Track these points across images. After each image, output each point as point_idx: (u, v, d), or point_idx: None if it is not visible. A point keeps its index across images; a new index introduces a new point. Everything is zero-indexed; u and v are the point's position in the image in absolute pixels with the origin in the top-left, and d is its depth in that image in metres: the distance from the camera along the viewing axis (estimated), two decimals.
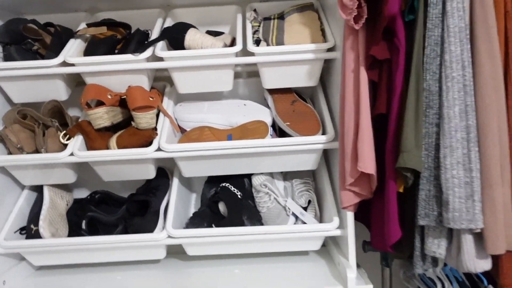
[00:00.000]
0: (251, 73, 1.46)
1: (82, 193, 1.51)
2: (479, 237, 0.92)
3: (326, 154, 1.38)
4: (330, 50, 1.21)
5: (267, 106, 1.36)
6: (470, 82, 0.89)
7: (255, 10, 1.37)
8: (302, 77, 1.25)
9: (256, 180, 1.34)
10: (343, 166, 1.07)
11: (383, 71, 1.01)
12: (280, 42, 1.22)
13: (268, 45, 1.22)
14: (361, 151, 1.00)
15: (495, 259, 0.95)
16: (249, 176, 1.37)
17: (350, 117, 1.04)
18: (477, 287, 1.25)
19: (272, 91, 1.33)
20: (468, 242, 0.93)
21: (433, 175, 0.94)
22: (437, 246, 0.97)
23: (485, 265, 0.94)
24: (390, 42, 0.97)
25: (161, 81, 1.44)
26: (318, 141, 1.19)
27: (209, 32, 1.40)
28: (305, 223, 1.27)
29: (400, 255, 1.10)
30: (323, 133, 1.24)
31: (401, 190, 1.00)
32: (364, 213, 1.18)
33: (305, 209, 1.32)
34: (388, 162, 0.99)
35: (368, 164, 1.00)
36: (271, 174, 1.38)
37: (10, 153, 1.27)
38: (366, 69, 1.02)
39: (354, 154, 1.03)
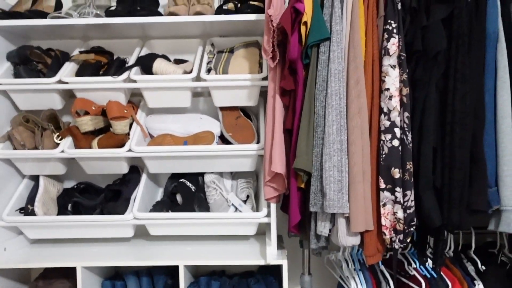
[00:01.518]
0: (210, 93, 1.82)
1: (70, 184, 1.85)
2: (348, 220, 1.27)
3: None
4: (264, 79, 1.57)
5: (219, 120, 1.71)
6: (344, 109, 1.25)
7: (212, 44, 1.74)
8: (243, 98, 1.61)
9: (207, 178, 1.69)
10: (264, 167, 1.43)
11: (291, 98, 1.37)
12: (225, 71, 1.59)
13: (216, 73, 1.59)
14: (274, 156, 1.36)
15: (362, 237, 1.30)
16: (202, 174, 1.72)
17: (269, 130, 1.40)
18: (374, 267, 1.59)
19: (222, 108, 1.69)
20: (341, 223, 1.27)
21: (320, 175, 1.28)
22: (323, 227, 1.31)
23: (354, 241, 1.29)
24: (295, 77, 1.34)
25: (138, 97, 1.79)
26: (250, 148, 1.55)
27: (177, 60, 1.76)
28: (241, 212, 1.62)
29: (305, 236, 1.44)
30: (258, 143, 1.59)
31: (302, 186, 1.35)
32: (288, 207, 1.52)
33: (244, 202, 1.67)
34: (291, 164, 1.35)
35: (278, 165, 1.35)
36: (221, 174, 1.73)
37: (15, 148, 1.62)
38: (280, 95, 1.39)
39: (270, 158, 1.38)
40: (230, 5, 1.62)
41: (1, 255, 1.58)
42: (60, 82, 1.58)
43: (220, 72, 1.59)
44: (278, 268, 1.71)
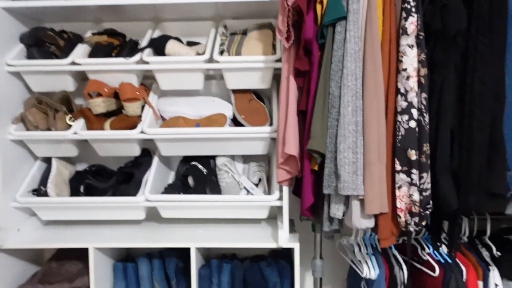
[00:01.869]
0: (222, 76, 1.79)
1: (82, 166, 1.85)
2: (362, 203, 1.25)
3: None
4: (278, 61, 1.55)
5: (231, 103, 1.70)
6: (360, 90, 1.23)
7: (225, 26, 1.72)
8: (256, 81, 1.59)
9: (219, 160, 1.68)
10: (277, 149, 1.42)
11: (305, 79, 1.35)
12: (238, 53, 1.57)
13: (228, 55, 1.57)
14: (287, 138, 1.35)
15: (376, 219, 1.28)
16: (214, 157, 1.71)
17: (282, 112, 1.39)
18: (386, 252, 1.58)
19: (234, 91, 1.67)
20: (355, 206, 1.26)
21: (334, 157, 1.26)
22: (337, 209, 1.30)
23: (368, 223, 1.27)
24: (310, 57, 1.32)
25: (150, 79, 1.78)
26: (263, 131, 1.54)
27: (189, 43, 1.75)
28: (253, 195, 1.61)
29: (318, 219, 1.43)
30: (271, 125, 1.58)
31: (315, 168, 1.34)
32: (300, 190, 1.51)
33: (256, 185, 1.66)
34: (305, 146, 1.33)
35: (291, 147, 1.34)
36: (233, 157, 1.72)
37: (28, 130, 1.62)
38: (294, 76, 1.37)
39: (283, 140, 1.37)
40: None
41: (15, 236, 1.59)
42: (73, 63, 1.57)
43: (233, 54, 1.57)
44: (290, 252, 1.70)
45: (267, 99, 1.75)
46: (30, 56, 1.59)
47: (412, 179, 1.21)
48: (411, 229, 1.24)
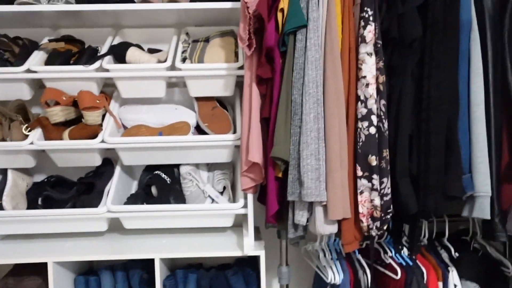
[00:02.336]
0: (185, 84, 1.79)
1: (40, 177, 1.78)
2: (325, 208, 1.27)
3: None
4: (240, 68, 1.55)
5: (194, 110, 1.69)
6: (321, 97, 1.25)
7: (187, 33, 1.71)
8: (219, 88, 1.59)
9: (183, 169, 1.66)
10: (241, 157, 1.41)
11: (268, 86, 1.36)
12: (200, 60, 1.56)
13: (191, 62, 1.56)
14: (251, 145, 1.35)
15: (340, 225, 1.30)
16: (178, 166, 1.69)
17: (245, 120, 1.39)
18: (350, 257, 1.60)
19: (198, 99, 1.66)
20: (318, 212, 1.27)
21: (297, 163, 1.27)
22: (301, 216, 1.31)
23: (332, 229, 1.29)
24: (272, 65, 1.33)
25: (111, 87, 1.75)
26: (226, 138, 1.53)
27: (151, 50, 1.73)
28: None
29: (283, 226, 1.43)
30: (234, 133, 1.57)
31: (280, 175, 1.35)
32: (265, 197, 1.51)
33: (221, 193, 1.65)
34: (268, 153, 1.33)
35: (255, 155, 1.34)
36: (197, 165, 1.70)
37: None
38: (257, 84, 1.37)
39: (246, 147, 1.37)
40: None
41: None
42: (28, 71, 1.52)
43: (196, 61, 1.56)
44: (256, 259, 1.70)
45: (231, 106, 1.75)
46: None
47: (373, 184, 1.24)
48: (373, 233, 1.26)
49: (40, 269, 1.61)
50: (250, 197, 1.51)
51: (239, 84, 1.63)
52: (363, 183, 1.25)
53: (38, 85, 1.66)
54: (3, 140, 1.55)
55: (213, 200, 1.62)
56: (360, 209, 1.26)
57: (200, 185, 1.63)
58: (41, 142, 1.52)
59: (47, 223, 1.58)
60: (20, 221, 1.57)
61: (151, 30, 1.76)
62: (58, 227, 1.60)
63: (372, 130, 1.23)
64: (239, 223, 1.69)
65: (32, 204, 1.63)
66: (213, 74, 1.54)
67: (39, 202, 1.61)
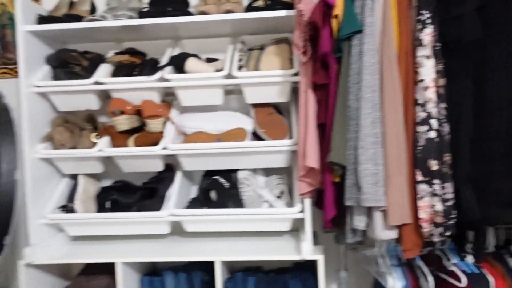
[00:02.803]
0: (241, 91, 1.83)
1: (107, 183, 1.90)
2: (384, 214, 1.25)
3: None
4: (296, 75, 1.57)
5: (251, 117, 1.72)
6: (378, 101, 1.24)
7: (243, 42, 1.75)
8: (274, 95, 1.62)
9: (240, 174, 1.70)
10: (299, 162, 1.43)
11: (323, 92, 1.37)
12: (257, 68, 1.60)
13: (247, 70, 1.60)
14: (307, 151, 1.36)
15: (399, 230, 1.28)
16: (236, 171, 1.73)
17: (302, 126, 1.41)
18: (411, 263, 1.57)
19: (254, 105, 1.69)
20: (377, 217, 1.26)
21: (354, 168, 1.27)
22: (359, 221, 1.31)
23: (391, 234, 1.27)
24: (327, 71, 1.34)
25: (171, 96, 1.82)
26: (283, 144, 1.55)
27: (208, 59, 1.79)
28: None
29: (341, 231, 1.43)
30: (290, 138, 1.59)
31: (337, 180, 1.35)
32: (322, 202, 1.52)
33: (278, 198, 1.67)
34: (325, 159, 1.34)
35: (312, 160, 1.36)
36: (254, 170, 1.74)
37: (55, 148, 1.67)
38: (313, 90, 1.38)
39: (303, 153, 1.39)
40: (260, 3, 1.63)
41: (44, 252, 1.64)
42: (97, 83, 1.63)
43: (252, 69, 1.60)
44: (314, 263, 1.70)
45: (286, 112, 1.77)
46: (56, 77, 1.65)
47: (434, 190, 1.21)
48: (436, 239, 1.23)
49: (107, 270, 1.70)
50: (307, 201, 1.52)
51: (294, 90, 1.65)
52: (423, 188, 1.23)
53: (105, 96, 1.76)
54: (75, 147, 1.66)
55: (270, 205, 1.64)
56: (421, 215, 1.24)
57: (257, 190, 1.66)
58: (109, 149, 1.61)
59: (115, 225, 1.67)
60: (90, 223, 1.67)
61: (208, 40, 1.83)
62: (125, 230, 1.69)
63: (432, 134, 1.21)
64: (295, 227, 1.70)
65: (101, 208, 1.73)
66: (268, 81, 1.56)
67: (107, 206, 1.71)
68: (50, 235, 1.71)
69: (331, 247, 1.74)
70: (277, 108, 1.75)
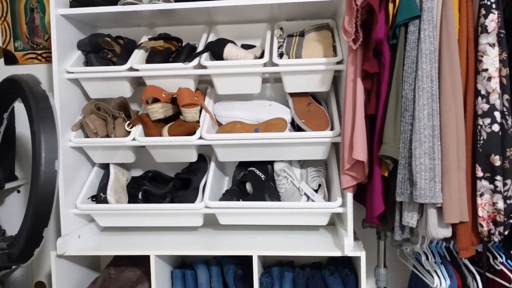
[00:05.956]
0: (277, 79, 1.77)
1: (136, 172, 1.85)
2: (440, 211, 1.19)
3: (337, 148, 1.66)
4: (339, 63, 1.50)
5: (288, 106, 1.66)
6: (436, 92, 1.17)
7: (281, 28, 1.68)
8: (316, 84, 1.55)
9: (277, 166, 1.64)
10: (343, 155, 1.36)
11: (374, 81, 1.30)
12: (298, 55, 1.53)
13: (289, 58, 1.53)
14: (355, 143, 1.30)
15: (455, 228, 1.22)
16: (271, 162, 1.67)
17: (349, 116, 1.34)
18: (456, 261, 1.51)
19: (292, 94, 1.63)
20: (431, 214, 1.20)
21: (407, 162, 1.21)
22: (410, 218, 1.24)
23: (446, 232, 1.21)
24: (379, 59, 1.26)
25: (204, 84, 1.77)
26: (325, 135, 1.49)
27: (244, 45, 1.72)
28: (314, 201, 1.56)
29: (386, 227, 1.37)
30: (331, 130, 1.53)
31: (385, 174, 1.29)
32: (363, 196, 1.46)
33: (316, 191, 1.61)
34: (375, 152, 1.28)
35: (360, 153, 1.29)
36: (290, 162, 1.68)
37: (87, 136, 1.63)
38: (362, 79, 1.31)
39: (350, 145, 1.32)
40: None
41: (76, 242, 1.59)
42: (131, 69, 1.57)
43: (293, 57, 1.53)
44: (350, 259, 1.65)
45: (324, 101, 1.70)
46: (88, 62, 1.60)
47: (496, 186, 1.14)
48: (496, 239, 1.16)
49: (138, 261, 1.67)
50: (349, 196, 1.45)
51: (334, 79, 1.58)
52: (483, 184, 1.16)
53: (137, 83, 1.71)
54: (108, 136, 1.61)
55: (308, 198, 1.59)
56: (480, 213, 1.17)
57: (295, 183, 1.60)
58: (143, 139, 1.55)
59: (147, 217, 1.62)
60: (122, 214, 1.62)
61: (243, 25, 1.75)
62: (157, 221, 1.64)
63: (495, 127, 1.14)
64: (330, 221, 1.64)
65: (132, 198, 1.68)
66: (311, 69, 1.50)
67: (139, 196, 1.66)
68: (81, 226, 1.67)
69: (367, 242, 1.68)
70: (315, 97, 1.68)
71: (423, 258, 1.52)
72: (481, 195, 1.16)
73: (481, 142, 1.15)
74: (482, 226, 1.18)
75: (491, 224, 1.17)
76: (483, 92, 1.15)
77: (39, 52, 1.89)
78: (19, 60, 1.90)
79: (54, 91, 1.54)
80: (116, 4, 1.56)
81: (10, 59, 1.91)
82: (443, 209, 1.17)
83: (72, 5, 1.57)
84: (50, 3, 1.52)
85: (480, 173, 1.16)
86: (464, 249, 1.21)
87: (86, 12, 1.55)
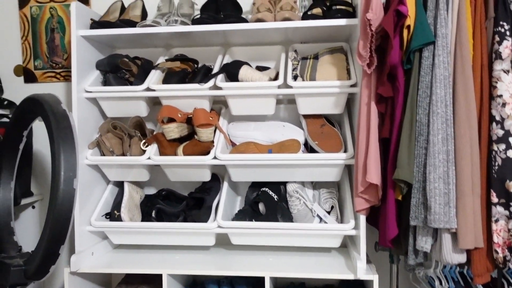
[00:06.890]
0: (290, 101, 1.79)
1: (149, 191, 1.87)
2: (454, 236, 1.18)
3: (350, 169, 1.66)
4: (353, 86, 1.52)
5: (302, 127, 1.67)
6: (450, 117, 1.18)
7: (295, 51, 1.70)
8: (329, 106, 1.56)
9: (290, 187, 1.65)
10: (356, 177, 1.37)
11: (388, 105, 1.31)
12: (312, 78, 1.55)
13: (303, 80, 1.55)
14: (369, 166, 1.30)
15: (469, 254, 1.21)
16: (284, 183, 1.68)
17: (363, 139, 1.34)
18: (470, 287, 1.49)
19: (305, 116, 1.65)
20: (446, 239, 1.19)
21: (422, 187, 1.21)
22: (424, 242, 1.24)
23: (460, 258, 1.20)
24: (393, 83, 1.28)
25: (219, 104, 1.79)
26: (339, 157, 1.49)
27: (258, 67, 1.75)
28: (327, 223, 1.56)
29: (399, 250, 1.37)
30: (345, 152, 1.54)
31: (399, 198, 1.29)
32: (376, 219, 1.45)
33: (328, 213, 1.61)
34: (389, 175, 1.28)
35: (374, 176, 1.29)
36: (303, 183, 1.69)
37: (103, 154, 1.65)
38: (376, 103, 1.32)
39: (364, 168, 1.32)
40: (316, 10, 1.59)
41: (89, 260, 1.61)
42: (148, 89, 1.60)
43: (308, 79, 1.55)
44: (362, 283, 1.64)
45: (337, 123, 1.71)
46: (106, 82, 1.63)
47: (510, 212, 1.14)
48: (511, 265, 1.15)
49: (148, 280, 1.67)
50: (362, 218, 1.45)
51: (347, 101, 1.60)
52: (498, 210, 1.16)
53: (153, 103, 1.73)
54: (123, 154, 1.63)
55: (321, 219, 1.58)
56: (495, 239, 1.16)
57: (308, 204, 1.60)
58: (158, 157, 1.57)
59: (160, 235, 1.63)
60: (135, 232, 1.64)
61: (258, 47, 1.79)
62: (170, 240, 1.65)
63: (510, 153, 1.14)
64: (343, 243, 1.64)
65: (146, 217, 1.69)
66: (325, 92, 1.51)
67: (153, 215, 1.67)
68: (95, 243, 1.68)
69: (380, 266, 1.67)
70: (328, 119, 1.69)
71: (437, 283, 1.51)
72: (496, 221, 1.16)
73: (496, 167, 1.15)
74: (497, 252, 1.17)
75: (506, 250, 1.16)
76: (497, 118, 1.16)
77: (58, 71, 1.94)
78: (38, 79, 1.95)
79: (73, 110, 1.57)
80: (135, 26, 1.60)
81: (30, 77, 1.96)
82: (458, 234, 1.16)
83: (92, 27, 1.62)
84: (71, 25, 1.57)
85: (495, 199, 1.16)
86: (479, 275, 1.20)
87: (105, 34, 1.59)
